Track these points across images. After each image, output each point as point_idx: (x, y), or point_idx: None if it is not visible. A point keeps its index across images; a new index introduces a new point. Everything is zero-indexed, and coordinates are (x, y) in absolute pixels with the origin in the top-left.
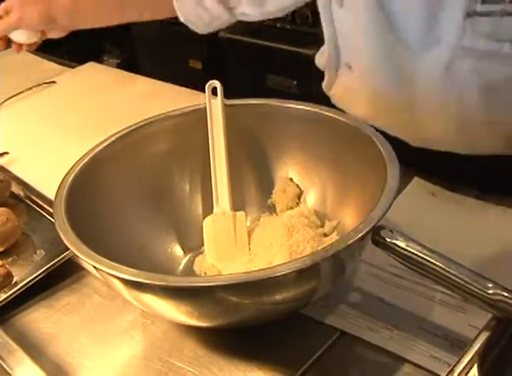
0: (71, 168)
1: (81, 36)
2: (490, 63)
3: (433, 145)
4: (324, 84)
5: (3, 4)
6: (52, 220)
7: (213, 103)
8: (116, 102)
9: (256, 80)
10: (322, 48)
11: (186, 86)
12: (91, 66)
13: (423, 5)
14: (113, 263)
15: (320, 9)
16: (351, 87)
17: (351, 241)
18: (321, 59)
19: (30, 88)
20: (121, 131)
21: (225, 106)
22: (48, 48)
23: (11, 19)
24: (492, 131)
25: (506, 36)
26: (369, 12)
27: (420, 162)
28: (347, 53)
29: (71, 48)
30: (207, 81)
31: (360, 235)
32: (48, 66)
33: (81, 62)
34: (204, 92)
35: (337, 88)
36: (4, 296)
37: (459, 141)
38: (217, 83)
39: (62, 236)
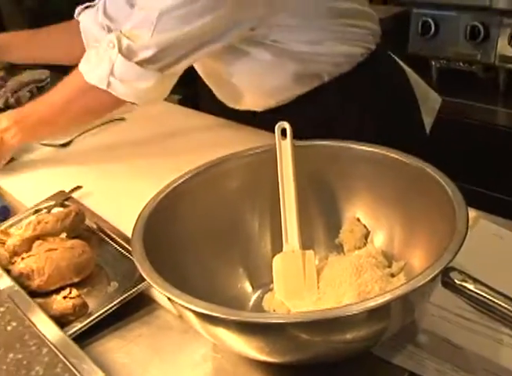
0: (148, 203)
1: None
2: None
3: None
4: None
5: None
6: (125, 253)
7: (282, 144)
8: (181, 137)
9: None
10: None
11: (246, 123)
12: (161, 104)
13: None
14: (189, 297)
15: None
16: None
17: (422, 282)
18: None
19: (101, 125)
20: (196, 168)
21: (294, 146)
22: None
23: None
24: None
25: None
26: None
27: (483, 204)
28: None
29: None
30: (266, 118)
31: (431, 277)
32: None
33: None
34: (263, 129)
35: None
36: (79, 325)
37: None
38: (286, 124)
39: (140, 268)
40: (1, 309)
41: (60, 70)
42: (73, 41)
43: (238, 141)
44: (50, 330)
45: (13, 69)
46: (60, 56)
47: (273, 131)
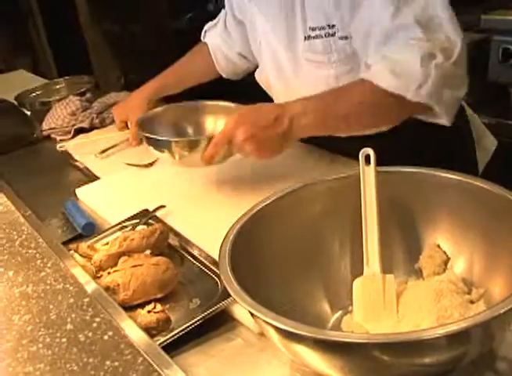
0: (234, 224)
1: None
2: (325, 69)
3: None
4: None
5: (225, 125)
6: (207, 271)
7: (366, 170)
8: (268, 162)
9: None
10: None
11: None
12: None
13: (284, 37)
14: (274, 314)
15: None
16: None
17: (504, 310)
18: (261, 76)
19: None
20: (280, 191)
21: (377, 172)
22: None
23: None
24: None
25: (331, 50)
26: (266, 47)
27: None
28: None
29: None
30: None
31: None
32: None
33: None
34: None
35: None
36: (162, 339)
37: None
38: (370, 150)
39: (227, 286)
40: (98, 319)
41: None
42: (206, 62)
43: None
44: (143, 341)
45: (99, 90)
46: (199, 78)
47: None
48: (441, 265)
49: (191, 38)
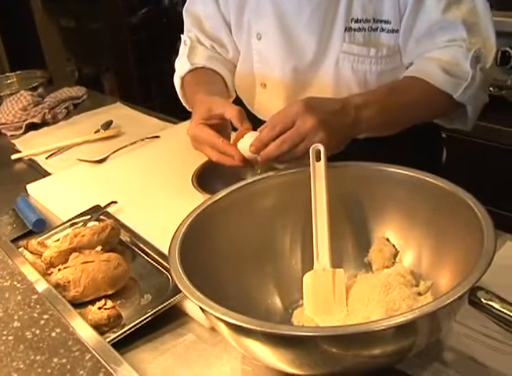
0: (185, 219)
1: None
2: (363, 62)
3: None
4: (247, 104)
5: (288, 108)
6: (158, 267)
7: (316, 165)
8: None
9: None
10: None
11: None
12: None
13: (317, 28)
14: (224, 309)
15: (241, 45)
16: (267, 101)
17: (450, 300)
18: (238, 82)
19: (136, 142)
20: (231, 186)
21: (328, 168)
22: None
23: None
24: None
25: (371, 44)
26: (279, 40)
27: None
28: (261, 72)
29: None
30: None
31: (459, 295)
32: (153, 122)
33: (184, 118)
34: None
35: (257, 104)
36: (113, 336)
37: None
38: (320, 146)
39: (176, 280)
40: (46, 316)
41: (96, 88)
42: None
43: None
44: (91, 337)
45: (51, 85)
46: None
47: None
48: (391, 258)
49: (145, 34)
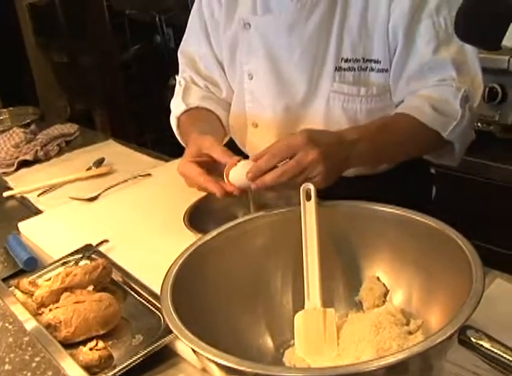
0: (177, 259)
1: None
2: (353, 101)
3: None
4: (238, 144)
5: (291, 139)
6: (150, 307)
7: (307, 205)
8: None
9: None
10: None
11: None
12: None
13: (307, 67)
14: (215, 350)
15: (234, 84)
16: (258, 141)
17: (439, 340)
18: (232, 121)
19: (128, 180)
20: (222, 226)
21: (318, 207)
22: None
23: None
24: None
25: (361, 83)
26: (270, 80)
27: (500, 263)
28: (253, 112)
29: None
30: None
31: (448, 334)
32: (145, 159)
33: (175, 155)
34: None
35: (249, 144)
36: None
37: None
38: (310, 185)
39: (168, 321)
40: (37, 359)
41: (88, 126)
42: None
43: None
44: None
45: (43, 122)
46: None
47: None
48: (381, 297)
49: (137, 70)
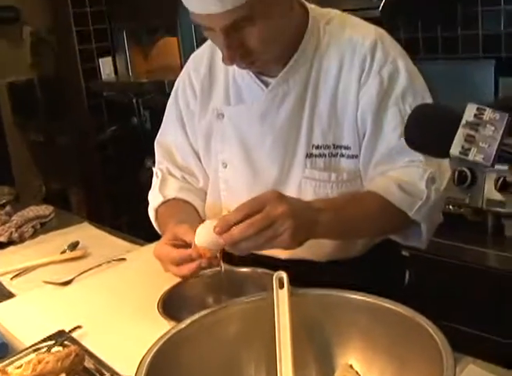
0: (151, 347)
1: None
2: (324, 187)
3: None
4: None
5: (260, 195)
6: None
7: (280, 293)
8: None
9: None
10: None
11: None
12: None
13: (279, 155)
14: None
15: (211, 173)
16: None
17: None
18: (207, 210)
19: (102, 264)
20: (196, 314)
21: (291, 295)
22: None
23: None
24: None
25: (332, 169)
26: (244, 169)
27: (474, 349)
28: (228, 201)
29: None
30: None
31: None
32: (119, 243)
33: (150, 239)
34: None
35: None
36: None
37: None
38: (283, 274)
39: None
40: None
41: (64, 205)
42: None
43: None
44: None
45: (19, 203)
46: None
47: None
48: None
49: (114, 151)
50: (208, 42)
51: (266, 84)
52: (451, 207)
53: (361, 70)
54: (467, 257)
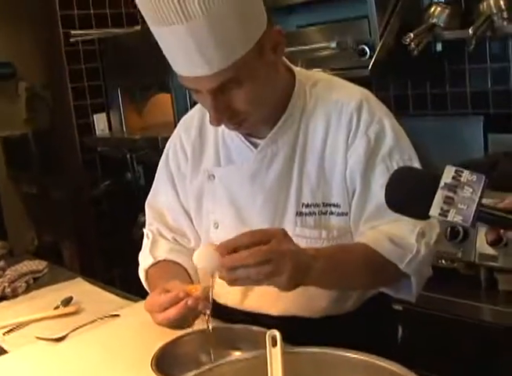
0: None
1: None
2: (315, 244)
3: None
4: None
5: (268, 229)
6: None
7: (273, 351)
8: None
9: None
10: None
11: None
12: None
13: (270, 213)
14: None
15: (202, 233)
16: (224, 290)
17: None
18: (199, 270)
19: (94, 321)
20: (189, 373)
21: (284, 353)
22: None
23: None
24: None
25: (322, 226)
26: (235, 229)
27: None
28: None
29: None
30: None
31: None
32: (113, 299)
33: (143, 295)
34: None
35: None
36: None
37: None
38: (276, 332)
39: None
40: None
41: (56, 258)
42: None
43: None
44: None
45: (12, 258)
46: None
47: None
48: None
49: (107, 205)
50: (199, 105)
51: (255, 145)
52: (444, 261)
53: (348, 131)
54: (461, 311)
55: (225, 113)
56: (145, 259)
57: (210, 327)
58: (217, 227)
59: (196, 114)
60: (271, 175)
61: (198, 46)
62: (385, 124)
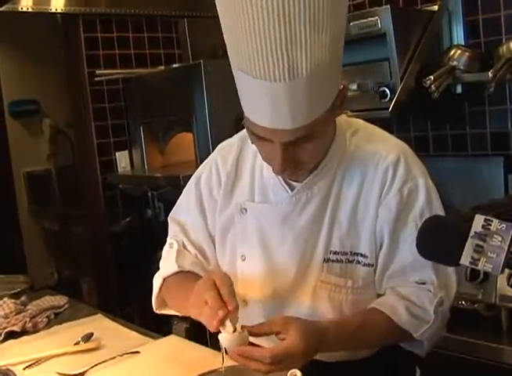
0: None
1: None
2: (339, 292)
3: None
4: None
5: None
6: None
7: None
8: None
9: None
10: None
11: None
12: (172, 338)
13: (298, 256)
14: None
15: (223, 262)
16: (247, 317)
17: None
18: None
19: (114, 358)
20: None
21: None
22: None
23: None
24: None
25: (348, 275)
26: (262, 264)
27: None
28: (243, 293)
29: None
30: None
31: None
32: (133, 336)
33: (163, 333)
34: None
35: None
36: None
37: None
38: (297, 371)
39: None
40: None
41: (75, 293)
42: None
43: None
44: None
45: (33, 293)
46: None
47: None
48: None
49: (127, 242)
50: (239, 135)
51: (291, 187)
52: (464, 302)
53: (382, 184)
54: (481, 353)
55: (290, 164)
56: (168, 267)
57: (223, 364)
58: (244, 260)
59: (236, 143)
60: (303, 219)
61: (291, 103)
62: (419, 184)
